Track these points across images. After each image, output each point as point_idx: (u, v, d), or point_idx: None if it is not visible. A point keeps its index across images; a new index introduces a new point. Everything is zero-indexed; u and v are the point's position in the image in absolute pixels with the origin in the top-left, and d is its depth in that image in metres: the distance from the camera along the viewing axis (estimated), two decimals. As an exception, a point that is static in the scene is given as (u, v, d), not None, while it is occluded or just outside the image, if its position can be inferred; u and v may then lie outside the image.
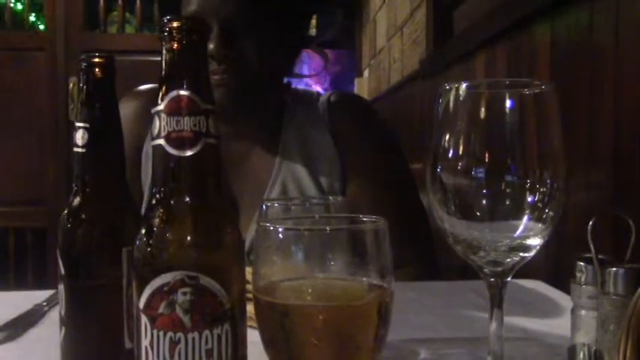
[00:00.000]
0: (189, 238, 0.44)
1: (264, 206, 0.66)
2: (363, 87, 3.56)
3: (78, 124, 0.60)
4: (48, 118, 3.47)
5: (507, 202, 0.53)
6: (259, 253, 0.47)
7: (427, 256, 1.18)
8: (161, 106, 0.45)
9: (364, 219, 0.49)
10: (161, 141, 0.45)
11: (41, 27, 3.82)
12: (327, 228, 0.46)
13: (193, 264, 0.43)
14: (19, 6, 3.78)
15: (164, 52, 0.46)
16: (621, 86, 0.92)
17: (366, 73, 3.61)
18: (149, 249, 0.44)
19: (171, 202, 0.45)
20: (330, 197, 0.81)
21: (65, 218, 0.60)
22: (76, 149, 0.60)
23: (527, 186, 0.52)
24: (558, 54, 1.11)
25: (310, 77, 4.11)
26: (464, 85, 0.53)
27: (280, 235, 0.45)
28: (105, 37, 3.69)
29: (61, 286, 0.60)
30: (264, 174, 1.19)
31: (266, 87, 1.15)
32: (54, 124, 3.45)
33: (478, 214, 0.53)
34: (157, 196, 0.45)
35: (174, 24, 0.45)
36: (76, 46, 3.62)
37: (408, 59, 2.39)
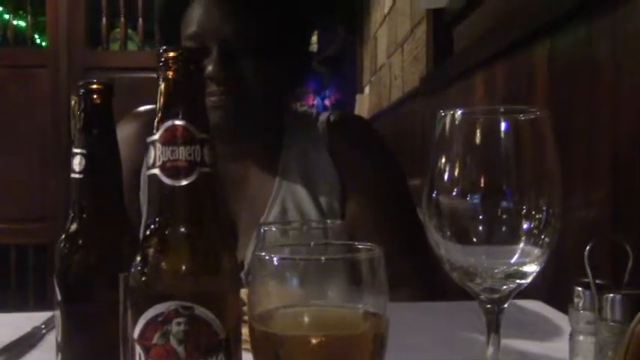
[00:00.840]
0: (183, 268, 0.44)
1: (262, 230, 0.66)
2: (364, 103, 3.57)
3: (75, 150, 0.60)
4: (50, 135, 3.48)
5: (503, 228, 0.53)
6: (254, 282, 0.47)
7: (426, 273, 1.18)
8: (156, 136, 0.45)
9: (360, 246, 0.49)
10: (156, 170, 0.45)
11: (44, 44, 3.84)
12: (323, 258, 0.46)
13: (188, 294, 0.43)
14: (22, 23, 3.80)
15: (160, 81, 0.46)
16: (619, 103, 0.92)
17: (367, 89, 3.63)
18: (143, 278, 0.44)
19: (166, 231, 0.45)
20: (329, 220, 0.81)
21: (62, 244, 0.60)
22: (73, 175, 0.60)
23: (522, 212, 0.52)
24: (556, 72, 1.12)
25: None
26: (459, 112, 0.53)
27: (275, 265, 0.45)
28: (107, 55, 3.72)
29: (58, 312, 0.60)
30: (264, 194, 1.19)
31: (265, 109, 1.16)
32: (56, 140, 3.46)
33: (474, 239, 0.53)
34: (152, 225, 0.45)
35: (171, 54, 0.46)
36: (79, 63, 3.64)
37: (408, 76, 2.40)
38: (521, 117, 0.53)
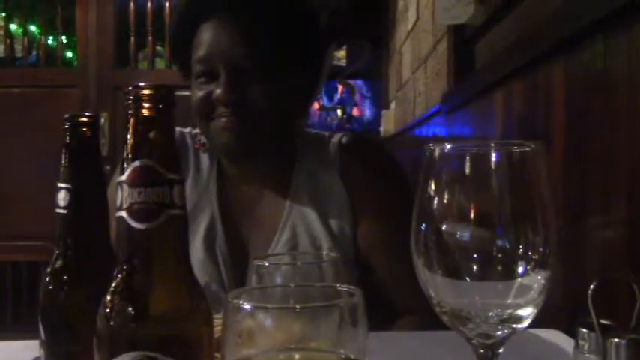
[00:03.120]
0: (147, 317, 0.42)
1: (254, 263, 0.64)
2: (390, 119, 3.54)
3: (60, 185, 0.59)
4: (79, 154, 3.53)
5: (497, 267, 0.50)
6: (227, 326, 0.44)
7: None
8: (124, 177, 0.44)
9: (341, 290, 0.46)
10: (123, 213, 0.43)
11: (74, 63, 3.90)
12: (297, 306, 0.43)
13: (152, 344, 0.41)
14: (53, 42, 3.87)
15: (128, 120, 0.44)
16: (636, 120, 0.89)
17: (392, 104, 3.60)
18: (109, 327, 0.43)
19: (133, 276, 0.43)
20: (324, 252, 0.79)
21: (46, 282, 0.59)
22: (57, 210, 0.59)
23: (518, 252, 0.49)
24: (573, 90, 1.08)
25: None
26: (448, 145, 0.50)
27: (248, 311, 0.43)
28: (136, 73, 3.77)
29: (42, 351, 0.58)
30: (274, 217, 1.17)
31: (275, 130, 1.14)
32: (85, 159, 3.50)
33: (465, 277, 0.50)
34: (120, 269, 0.44)
35: (138, 92, 0.44)
36: (108, 82, 3.70)
37: (431, 92, 2.36)
38: (515, 149, 0.50)
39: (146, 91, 0.44)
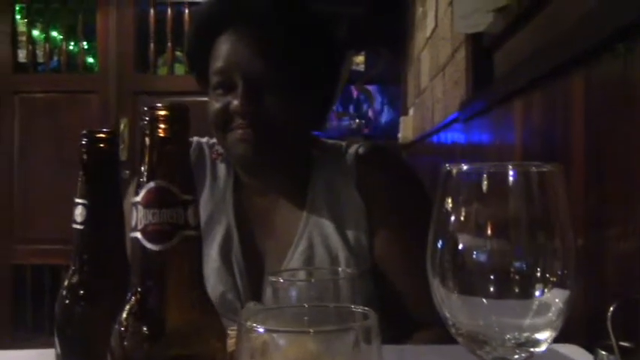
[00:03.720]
0: (161, 337, 0.42)
1: (270, 278, 0.64)
2: (408, 125, 3.53)
3: (77, 200, 0.60)
4: (99, 159, 3.56)
5: (514, 287, 0.49)
6: (241, 349, 0.44)
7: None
8: (138, 198, 0.44)
9: (356, 312, 0.46)
10: (138, 234, 0.43)
11: (95, 69, 3.94)
12: (311, 330, 0.43)
13: (166, 366, 0.41)
14: (75, 48, 3.91)
15: (144, 140, 0.44)
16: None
17: (411, 111, 3.58)
18: (123, 347, 0.43)
19: (147, 297, 0.43)
20: (340, 269, 0.78)
21: (62, 296, 0.59)
22: (74, 225, 0.60)
23: (536, 274, 0.48)
24: (593, 100, 1.07)
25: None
26: (465, 166, 0.50)
27: (261, 334, 0.43)
28: (155, 79, 3.80)
29: (57, 367, 0.59)
30: (291, 228, 1.17)
31: (292, 142, 1.14)
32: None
33: (481, 296, 0.50)
34: (135, 290, 0.44)
35: (154, 112, 0.44)
36: (128, 87, 3.73)
37: (450, 100, 2.35)
38: (533, 170, 0.49)
39: (162, 112, 0.44)
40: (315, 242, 1.15)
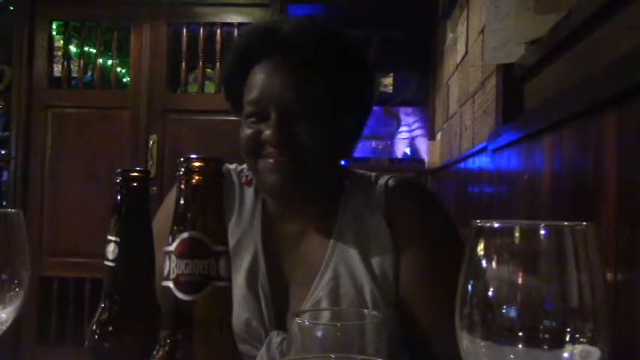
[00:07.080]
0: (189, 390, 0.43)
1: (296, 320, 0.64)
2: (435, 150, 3.52)
3: (109, 237, 0.61)
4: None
5: (545, 346, 0.49)
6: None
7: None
8: (171, 247, 0.44)
9: (382, 366, 0.46)
10: (170, 284, 0.44)
11: (127, 87, 4.00)
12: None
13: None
14: (108, 61, 3.98)
15: (179, 190, 0.45)
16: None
17: (438, 136, 3.57)
18: (151, 396, 0.43)
19: (177, 346, 0.44)
20: (365, 311, 0.78)
21: (91, 333, 0.60)
22: (106, 262, 0.61)
23: (565, 336, 0.47)
24: (626, 143, 1.06)
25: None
26: (497, 224, 0.50)
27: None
28: (185, 97, 3.85)
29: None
30: (318, 256, 1.17)
31: (322, 173, 1.15)
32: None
33: (511, 355, 0.50)
34: (164, 339, 0.44)
35: (190, 164, 0.45)
36: (158, 105, 3.78)
37: (479, 127, 2.34)
38: (565, 228, 0.49)
39: (196, 164, 0.45)
40: (340, 272, 1.15)
